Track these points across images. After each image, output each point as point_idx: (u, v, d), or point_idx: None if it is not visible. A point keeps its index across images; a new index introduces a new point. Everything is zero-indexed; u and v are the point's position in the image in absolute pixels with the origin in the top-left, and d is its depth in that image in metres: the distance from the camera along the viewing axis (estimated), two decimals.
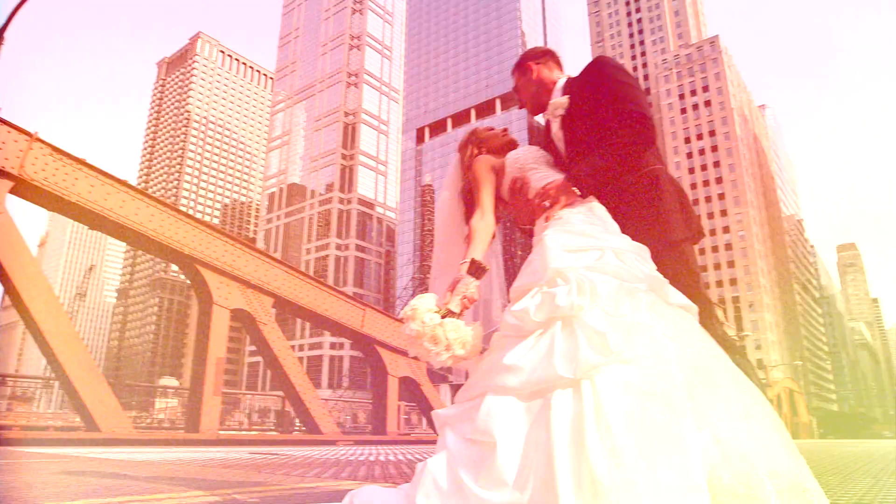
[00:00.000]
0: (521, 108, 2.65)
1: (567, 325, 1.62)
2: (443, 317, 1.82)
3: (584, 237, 1.90)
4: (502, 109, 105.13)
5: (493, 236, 2.20)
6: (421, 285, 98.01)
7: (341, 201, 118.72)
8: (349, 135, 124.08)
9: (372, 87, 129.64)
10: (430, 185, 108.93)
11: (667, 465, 1.35)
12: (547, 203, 2.08)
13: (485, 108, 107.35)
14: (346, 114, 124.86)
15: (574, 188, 2.09)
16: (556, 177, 2.18)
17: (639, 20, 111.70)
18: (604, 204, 2.14)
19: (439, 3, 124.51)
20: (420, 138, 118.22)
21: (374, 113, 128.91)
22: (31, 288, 8.74)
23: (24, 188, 9.05)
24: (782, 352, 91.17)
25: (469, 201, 2.36)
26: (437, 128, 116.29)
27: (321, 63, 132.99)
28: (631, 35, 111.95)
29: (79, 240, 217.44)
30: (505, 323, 1.74)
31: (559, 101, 2.34)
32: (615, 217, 2.09)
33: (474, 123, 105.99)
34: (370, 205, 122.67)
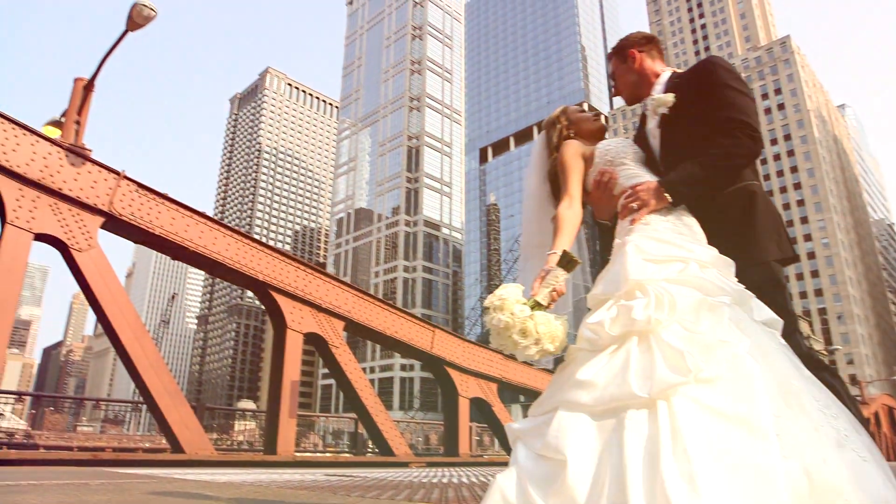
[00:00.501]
0: (614, 95, 2.52)
1: (643, 340, 1.55)
2: (531, 308, 1.73)
3: (669, 246, 1.81)
4: None
5: (580, 224, 2.10)
6: None
7: (407, 224, 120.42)
8: (413, 158, 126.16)
9: (434, 111, 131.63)
10: (495, 205, 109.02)
11: (749, 495, 1.25)
12: (635, 205, 1.99)
13: None
14: (410, 137, 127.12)
15: (666, 194, 1.99)
16: (647, 178, 2.08)
17: (702, 26, 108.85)
18: (694, 215, 2.03)
19: (497, 23, 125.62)
20: (483, 158, 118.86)
21: (437, 135, 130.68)
22: (120, 316, 9.22)
23: (113, 223, 9.59)
24: (878, 366, 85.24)
25: (555, 183, 2.26)
26: (500, 147, 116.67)
27: (384, 89, 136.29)
28: (695, 42, 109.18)
29: (162, 270, 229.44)
30: (580, 335, 1.68)
31: (664, 98, 2.21)
32: (704, 230, 1.98)
33: (537, 141, 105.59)
34: (436, 226, 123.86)
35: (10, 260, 7.59)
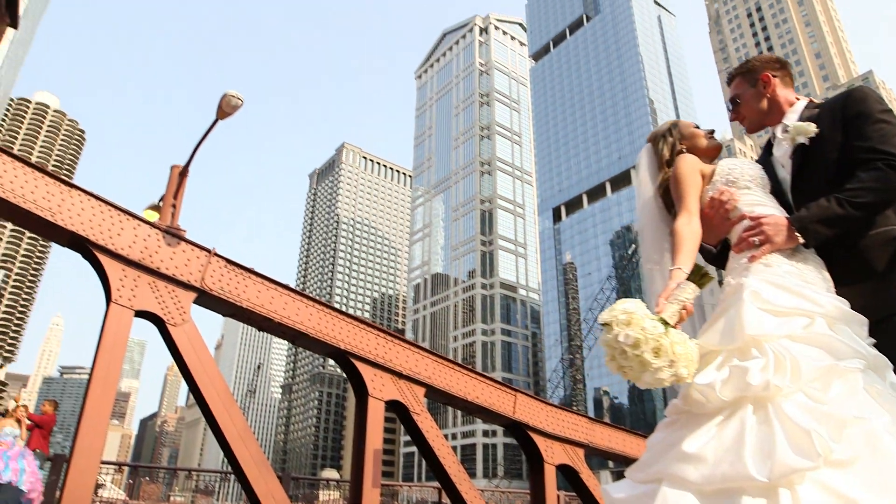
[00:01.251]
0: (734, 119, 2.27)
1: (760, 409, 1.34)
2: None
3: (792, 296, 1.56)
4: None
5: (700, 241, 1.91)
6: (571, 366, 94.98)
7: (484, 286, 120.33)
8: (486, 221, 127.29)
9: (505, 173, 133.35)
10: (572, 263, 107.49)
11: None
12: (756, 240, 1.74)
13: (620, 180, 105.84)
14: (482, 201, 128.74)
15: (797, 234, 1.74)
16: (773, 209, 1.85)
17: None
18: (825, 259, 1.79)
19: (562, 84, 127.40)
20: (556, 217, 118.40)
21: (509, 197, 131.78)
22: (211, 387, 9.54)
23: (204, 298, 10.07)
24: None
25: (666, 198, 2.07)
26: (573, 205, 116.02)
27: (455, 156, 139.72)
28: None
29: (249, 341, 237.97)
30: (687, 395, 1.49)
31: (806, 126, 1.99)
32: (835, 278, 1.75)
33: (610, 197, 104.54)
34: (513, 288, 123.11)
35: (114, 336, 8.08)
